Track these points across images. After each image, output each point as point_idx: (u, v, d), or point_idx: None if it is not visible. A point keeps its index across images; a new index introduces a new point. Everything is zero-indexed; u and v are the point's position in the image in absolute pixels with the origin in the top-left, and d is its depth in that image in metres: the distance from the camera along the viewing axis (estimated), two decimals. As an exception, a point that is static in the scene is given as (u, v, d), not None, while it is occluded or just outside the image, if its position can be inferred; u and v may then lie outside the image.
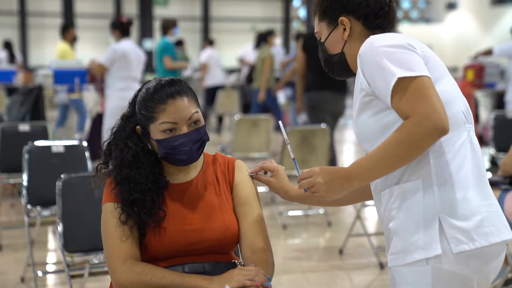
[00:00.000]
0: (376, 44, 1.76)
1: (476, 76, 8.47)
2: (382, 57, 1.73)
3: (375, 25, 1.91)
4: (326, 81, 6.30)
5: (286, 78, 8.86)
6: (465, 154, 1.78)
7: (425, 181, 1.76)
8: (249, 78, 10.68)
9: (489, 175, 6.79)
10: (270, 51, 9.50)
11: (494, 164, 7.11)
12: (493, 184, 3.57)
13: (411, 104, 1.67)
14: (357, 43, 1.90)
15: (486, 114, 8.90)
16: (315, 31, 2.02)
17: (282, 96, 10.57)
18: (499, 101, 8.32)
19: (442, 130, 1.65)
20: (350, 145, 10.61)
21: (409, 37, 1.83)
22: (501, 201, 3.49)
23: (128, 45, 6.40)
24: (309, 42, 6.45)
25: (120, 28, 6.40)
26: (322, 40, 1.98)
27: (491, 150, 6.08)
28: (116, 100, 6.30)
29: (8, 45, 13.05)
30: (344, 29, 1.92)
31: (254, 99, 9.57)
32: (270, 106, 9.38)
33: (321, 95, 6.43)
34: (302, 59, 6.51)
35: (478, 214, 1.75)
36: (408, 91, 1.68)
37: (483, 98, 9.34)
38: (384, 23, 1.92)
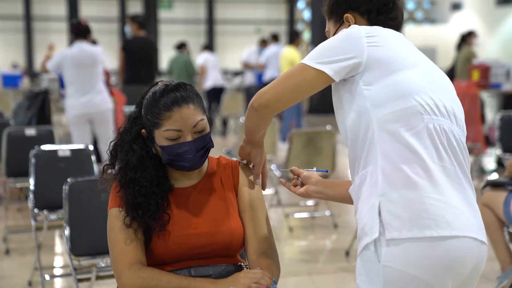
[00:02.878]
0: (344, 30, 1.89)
1: (482, 77, 8.44)
2: (326, 41, 1.89)
3: (377, 20, 1.95)
4: (138, 77, 8.03)
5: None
6: (417, 145, 1.75)
7: (373, 168, 1.78)
8: (450, 76, 10.84)
9: (496, 176, 6.77)
10: (471, 49, 10.12)
11: (500, 164, 7.09)
12: (499, 185, 3.56)
13: (275, 81, 1.88)
14: None
15: (492, 115, 8.88)
16: (326, 30, 2.07)
17: None
18: (505, 102, 8.30)
19: (256, 107, 1.88)
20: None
21: (380, 28, 1.89)
22: (507, 202, 3.46)
23: (74, 49, 6.16)
24: (128, 45, 8.22)
25: (71, 31, 6.30)
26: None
27: (497, 151, 6.07)
28: (70, 109, 6.19)
29: None
30: (350, 25, 1.94)
31: None
32: None
33: (135, 87, 7.76)
34: (122, 57, 8.20)
35: (419, 204, 1.72)
36: (290, 71, 1.86)
37: (489, 99, 9.30)
38: (387, 19, 1.95)
